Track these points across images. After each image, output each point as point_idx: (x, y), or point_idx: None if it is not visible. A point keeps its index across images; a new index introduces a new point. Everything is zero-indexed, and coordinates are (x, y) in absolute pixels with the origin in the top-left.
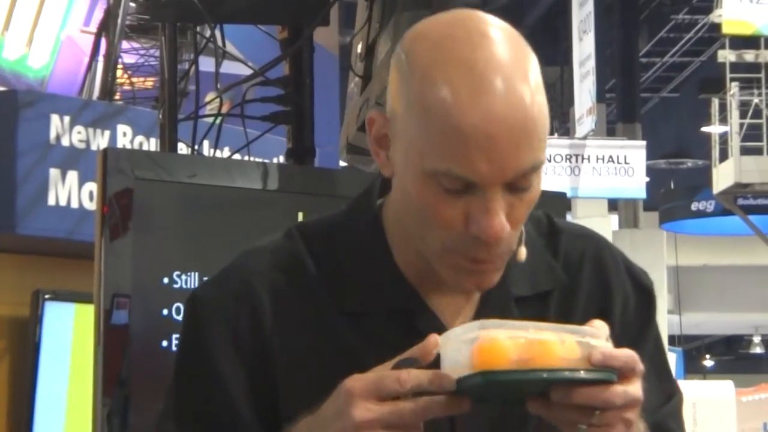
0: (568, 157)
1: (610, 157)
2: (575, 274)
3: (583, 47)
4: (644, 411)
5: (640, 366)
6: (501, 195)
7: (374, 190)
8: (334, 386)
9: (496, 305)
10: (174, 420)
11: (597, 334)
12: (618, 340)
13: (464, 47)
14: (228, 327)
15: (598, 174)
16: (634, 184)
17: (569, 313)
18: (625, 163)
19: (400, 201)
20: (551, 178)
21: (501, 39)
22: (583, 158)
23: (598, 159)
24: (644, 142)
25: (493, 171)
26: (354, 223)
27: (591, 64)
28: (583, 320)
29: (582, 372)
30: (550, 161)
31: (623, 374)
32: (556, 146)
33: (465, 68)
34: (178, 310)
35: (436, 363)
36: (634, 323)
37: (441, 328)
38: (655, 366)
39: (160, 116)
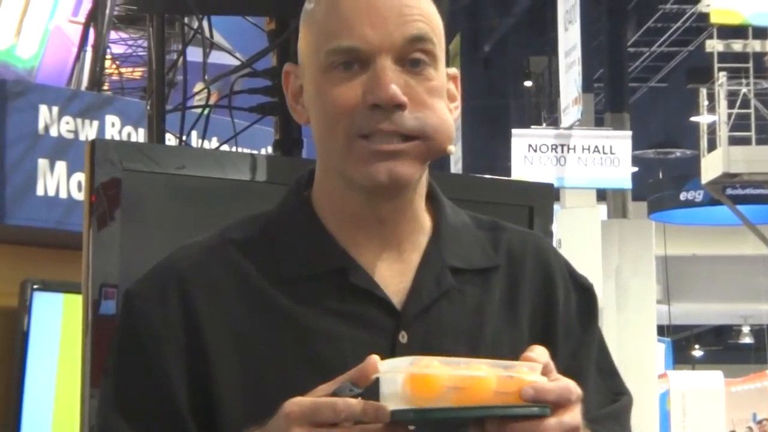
0: (553, 147)
1: (596, 147)
2: (519, 263)
3: (569, 37)
4: (588, 413)
5: (577, 393)
6: (393, 68)
7: (302, 181)
8: (279, 356)
9: (432, 270)
10: (114, 410)
11: (532, 367)
12: (563, 334)
13: None
14: (159, 316)
15: (583, 164)
16: (620, 174)
17: (514, 298)
18: (611, 153)
19: (316, 137)
20: (537, 168)
21: None
22: (568, 148)
23: (583, 149)
24: (630, 132)
25: (378, 35)
26: (284, 207)
27: (577, 54)
28: (527, 309)
29: (511, 408)
30: (535, 151)
31: (559, 404)
32: (541, 136)
33: None
34: None
35: (377, 387)
36: (577, 321)
37: (373, 284)
38: (600, 368)
39: (148, 107)
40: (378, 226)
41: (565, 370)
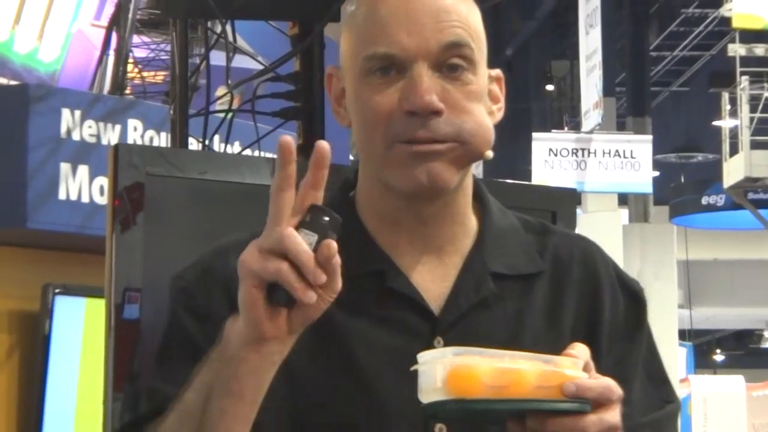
0: (574, 151)
1: (617, 151)
2: (565, 269)
3: (590, 41)
4: (631, 420)
5: (618, 393)
6: (430, 74)
7: (348, 181)
8: (311, 353)
9: (473, 276)
10: (156, 379)
11: (575, 363)
12: (608, 341)
13: None
14: (199, 298)
15: (604, 168)
16: (641, 179)
17: (557, 305)
18: (632, 157)
19: (357, 140)
20: (557, 172)
21: None
22: (589, 152)
23: (604, 153)
24: (651, 137)
25: (414, 42)
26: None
27: (597, 58)
28: (571, 315)
29: (552, 403)
30: (556, 155)
31: (599, 403)
32: (562, 140)
33: None
34: None
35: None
36: (624, 326)
37: (411, 288)
38: (649, 374)
39: (171, 112)
40: (419, 229)
41: (610, 376)
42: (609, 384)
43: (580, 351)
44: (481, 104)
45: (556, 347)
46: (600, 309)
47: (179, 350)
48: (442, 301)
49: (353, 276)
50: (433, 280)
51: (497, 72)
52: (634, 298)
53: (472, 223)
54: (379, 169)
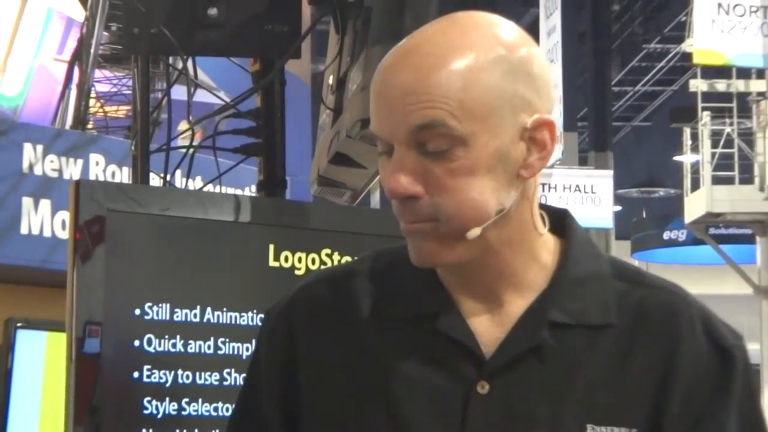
0: None
1: (577, 186)
2: (642, 323)
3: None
4: None
5: None
6: (410, 155)
7: None
8: (356, 391)
9: (529, 326)
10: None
11: None
12: (684, 400)
13: (422, 28)
14: (270, 338)
15: (565, 203)
16: (602, 214)
17: (625, 361)
18: (592, 192)
19: None
20: None
21: (462, 22)
22: (549, 187)
23: (565, 188)
24: (611, 172)
25: (385, 126)
26: None
27: (558, 92)
28: (640, 373)
29: None
30: None
31: None
32: None
33: (401, 42)
34: (149, 341)
35: None
36: (707, 384)
37: (466, 332)
38: None
39: (133, 147)
40: (474, 280)
41: None
42: None
43: None
44: (473, 177)
45: (617, 404)
46: (675, 365)
47: (244, 400)
48: (495, 346)
49: (411, 316)
50: (492, 326)
51: (546, 118)
52: (723, 356)
53: (547, 264)
54: None
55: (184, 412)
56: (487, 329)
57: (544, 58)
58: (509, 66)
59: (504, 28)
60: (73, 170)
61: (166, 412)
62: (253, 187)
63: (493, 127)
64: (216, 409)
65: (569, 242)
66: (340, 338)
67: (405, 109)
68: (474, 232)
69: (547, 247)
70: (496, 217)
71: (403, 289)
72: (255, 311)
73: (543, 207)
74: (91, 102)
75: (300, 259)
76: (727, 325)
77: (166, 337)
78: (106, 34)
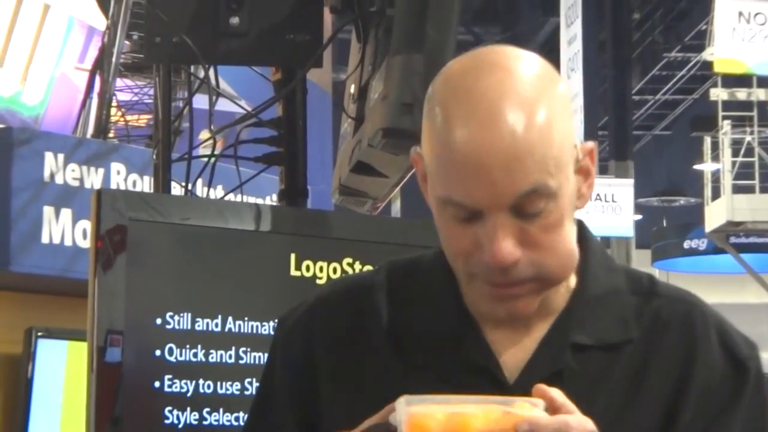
0: None
1: (598, 195)
2: (659, 335)
3: (571, 85)
4: None
5: (586, 429)
6: (508, 220)
7: None
8: (373, 407)
9: (551, 349)
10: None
11: (534, 402)
12: (697, 408)
13: (469, 78)
14: (288, 344)
15: (585, 212)
16: (622, 223)
17: (642, 374)
18: (613, 201)
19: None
20: None
21: (511, 68)
22: None
23: None
24: (632, 180)
25: (488, 196)
26: (433, 260)
27: (579, 102)
28: (656, 384)
29: None
30: None
31: None
32: None
33: (463, 98)
34: (170, 350)
35: None
36: (720, 393)
37: (491, 357)
38: None
39: (154, 156)
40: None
41: None
42: (566, 420)
43: (553, 391)
44: (562, 228)
45: (635, 418)
46: (690, 375)
47: (259, 407)
48: (518, 371)
49: (436, 339)
50: (516, 350)
51: (590, 145)
52: (737, 365)
53: (569, 284)
54: (462, 285)
55: (205, 422)
56: (510, 353)
57: None
58: (564, 106)
59: (546, 67)
60: (94, 179)
61: (188, 421)
62: (275, 196)
63: (567, 171)
64: (237, 419)
65: (586, 256)
66: (359, 353)
67: (511, 178)
68: (573, 281)
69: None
70: None
71: (426, 310)
72: (276, 321)
73: None
74: (113, 111)
75: (321, 269)
76: (742, 335)
77: (188, 346)
78: (127, 42)
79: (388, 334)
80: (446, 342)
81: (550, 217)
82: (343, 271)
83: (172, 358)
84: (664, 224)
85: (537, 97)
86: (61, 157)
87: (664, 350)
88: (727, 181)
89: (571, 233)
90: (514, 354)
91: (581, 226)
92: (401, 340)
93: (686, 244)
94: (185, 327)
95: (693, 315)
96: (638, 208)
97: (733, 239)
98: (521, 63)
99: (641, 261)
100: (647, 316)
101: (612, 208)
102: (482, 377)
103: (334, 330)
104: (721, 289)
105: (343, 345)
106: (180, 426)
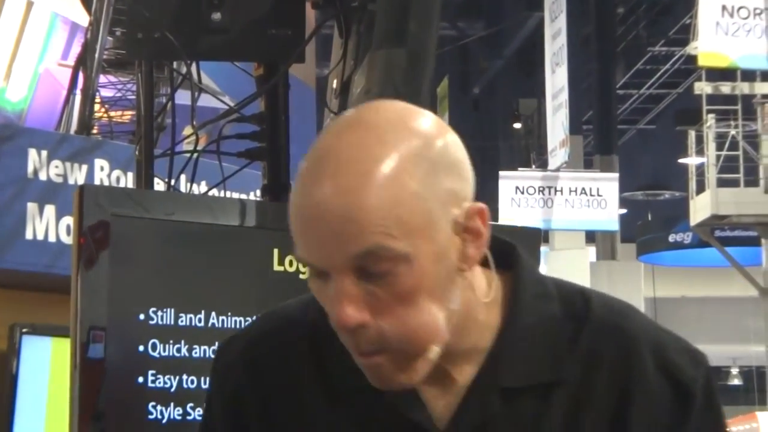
0: (540, 189)
1: (583, 189)
2: (594, 369)
3: (556, 80)
4: None
5: None
6: (353, 282)
7: None
8: None
9: (480, 396)
10: None
11: None
12: None
13: (328, 134)
14: (221, 390)
15: (570, 206)
16: (607, 217)
17: (577, 414)
18: (598, 195)
19: None
20: (524, 210)
21: (371, 125)
22: (555, 190)
23: (570, 191)
24: (617, 174)
25: (323, 257)
26: None
27: (564, 96)
28: (593, 423)
29: None
30: (522, 193)
31: None
32: (528, 178)
33: (313, 155)
34: (154, 346)
35: None
36: (667, 421)
37: (418, 406)
38: None
39: (137, 152)
40: None
41: None
42: None
43: None
44: (423, 294)
45: None
46: (627, 411)
47: None
48: (448, 419)
49: (363, 389)
50: (445, 397)
51: (478, 206)
52: (677, 390)
53: (494, 322)
54: None
55: (189, 417)
56: (440, 401)
57: (458, 139)
58: (431, 163)
59: (417, 120)
60: (77, 175)
61: (171, 417)
62: (258, 192)
63: (430, 234)
64: None
65: (516, 285)
66: (289, 399)
67: (340, 238)
68: (435, 353)
69: (494, 301)
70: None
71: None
72: (255, 317)
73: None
74: (96, 107)
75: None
76: (686, 349)
77: (171, 341)
78: (110, 39)
79: (317, 382)
80: (373, 391)
81: (402, 283)
82: None
83: (155, 354)
84: (649, 218)
85: (384, 156)
86: (44, 153)
87: (599, 388)
88: (711, 175)
89: (437, 303)
90: (445, 401)
91: (512, 252)
92: (330, 390)
93: (671, 238)
94: (168, 322)
95: (627, 345)
96: (623, 202)
97: (718, 233)
98: (387, 120)
99: (626, 254)
100: (582, 347)
101: (597, 202)
102: (412, 426)
103: (264, 375)
104: (706, 282)
105: (274, 390)
106: (164, 421)
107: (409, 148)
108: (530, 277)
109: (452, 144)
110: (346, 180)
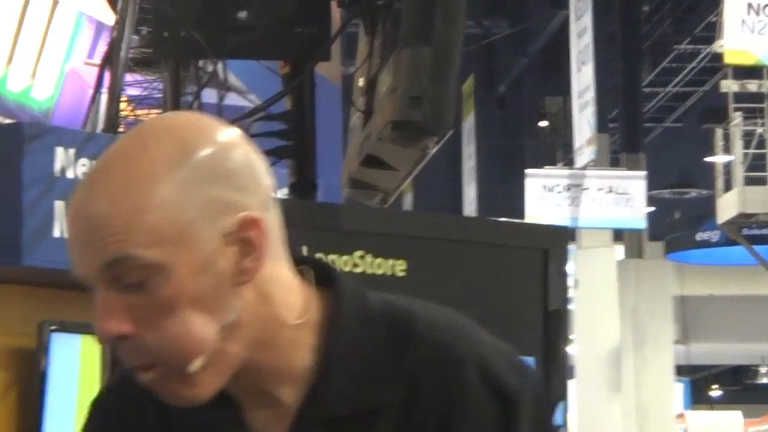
0: (567, 187)
1: (610, 187)
2: (415, 395)
3: (582, 78)
4: None
5: None
6: (112, 293)
7: None
8: None
9: (304, 424)
10: None
11: None
12: None
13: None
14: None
15: (598, 204)
16: (635, 215)
17: None
18: (625, 193)
19: None
20: (551, 209)
21: (142, 133)
22: (582, 188)
23: (597, 189)
24: (645, 173)
25: (77, 267)
26: None
27: (590, 94)
28: None
29: None
30: (549, 191)
31: None
32: (555, 176)
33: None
34: None
35: None
36: None
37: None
38: None
39: None
40: (245, 379)
41: None
42: None
43: None
44: (183, 305)
45: None
46: (453, 426)
47: None
48: None
49: (200, 426)
50: (276, 421)
51: (251, 216)
52: (504, 403)
53: (314, 345)
54: None
55: None
56: (272, 425)
57: (247, 148)
58: (192, 171)
59: (189, 130)
60: None
61: None
62: (285, 190)
63: (189, 244)
64: None
65: (336, 304)
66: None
67: (90, 248)
68: (195, 366)
69: (309, 325)
70: (220, 337)
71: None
72: None
73: (304, 260)
74: (122, 105)
75: (333, 262)
76: (513, 363)
77: None
78: (136, 37)
79: (162, 423)
80: (207, 428)
81: (158, 293)
82: (354, 264)
83: None
84: (676, 216)
85: (138, 163)
86: (71, 151)
87: (424, 408)
88: (738, 173)
89: (201, 315)
90: (277, 425)
91: (327, 273)
92: (171, 429)
93: (698, 236)
94: None
95: (451, 363)
96: (650, 201)
97: (745, 231)
98: (160, 129)
99: (654, 253)
100: (406, 368)
101: (624, 200)
102: None
103: (114, 423)
104: (734, 280)
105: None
106: None
107: (167, 156)
108: (355, 299)
109: (232, 152)
110: (97, 187)
